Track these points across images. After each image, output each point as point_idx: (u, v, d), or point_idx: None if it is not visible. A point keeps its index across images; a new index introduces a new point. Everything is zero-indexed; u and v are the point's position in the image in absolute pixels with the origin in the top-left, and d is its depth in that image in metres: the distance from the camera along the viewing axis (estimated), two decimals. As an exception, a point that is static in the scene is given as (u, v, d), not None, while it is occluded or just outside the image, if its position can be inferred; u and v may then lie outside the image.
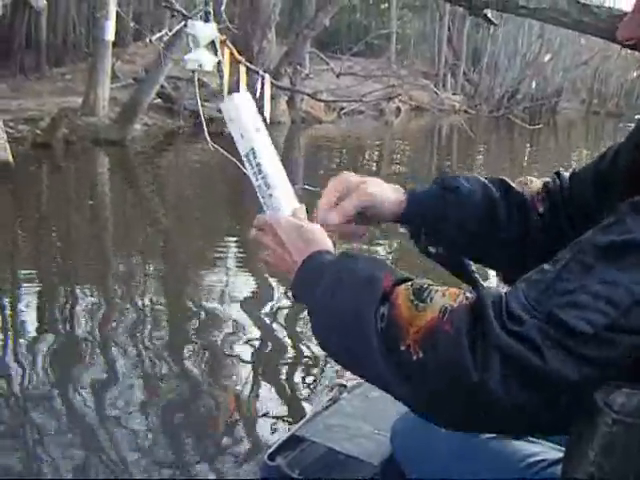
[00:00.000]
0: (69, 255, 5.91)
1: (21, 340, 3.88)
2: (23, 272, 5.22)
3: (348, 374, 2.08)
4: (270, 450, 1.88)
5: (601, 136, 20.56)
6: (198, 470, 2.75)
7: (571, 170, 1.33)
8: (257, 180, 1.16)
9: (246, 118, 1.16)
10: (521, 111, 20.59)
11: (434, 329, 0.86)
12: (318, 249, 1.09)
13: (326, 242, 1.12)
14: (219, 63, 4.37)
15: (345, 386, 2.22)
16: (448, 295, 0.90)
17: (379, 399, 2.06)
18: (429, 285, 0.92)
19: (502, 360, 0.81)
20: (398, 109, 19.04)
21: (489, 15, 3.58)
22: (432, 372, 0.85)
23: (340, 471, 1.84)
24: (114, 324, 4.20)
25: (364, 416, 2.07)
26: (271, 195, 1.16)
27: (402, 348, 0.87)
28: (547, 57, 22.61)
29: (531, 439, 1.31)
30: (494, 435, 1.29)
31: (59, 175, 9.44)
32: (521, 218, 1.28)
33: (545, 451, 1.25)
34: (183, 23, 4.43)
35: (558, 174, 1.33)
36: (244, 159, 1.17)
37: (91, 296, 4.73)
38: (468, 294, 0.90)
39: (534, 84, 22.84)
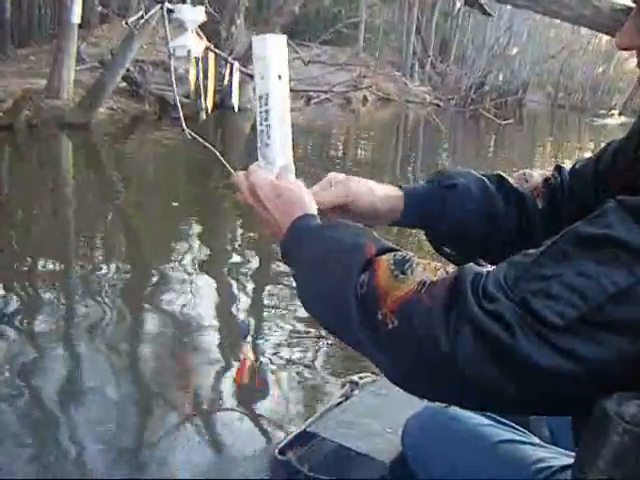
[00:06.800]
0: (29, 238, 5.78)
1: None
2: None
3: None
4: (281, 445, 1.91)
5: (565, 130, 20.86)
6: (203, 465, 2.64)
7: (571, 165, 1.33)
8: (261, 125, 1.17)
9: (272, 61, 1.15)
10: (487, 104, 20.80)
11: (411, 300, 0.87)
12: (303, 212, 1.09)
13: (308, 203, 1.12)
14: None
15: (357, 383, 2.24)
16: (429, 269, 0.90)
17: (391, 397, 2.08)
18: (411, 257, 0.93)
19: (473, 332, 0.81)
20: (365, 98, 19.12)
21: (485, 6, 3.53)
22: (405, 341, 0.86)
23: (350, 468, 1.85)
24: (75, 308, 4.12)
25: (375, 414, 2.08)
26: (268, 145, 1.16)
27: (378, 316, 0.88)
28: (514, 50, 22.88)
29: (542, 444, 1.32)
30: (504, 438, 1.31)
31: (21, 158, 9.25)
32: (519, 214, 1.29)
33: (555, 457, 1.26)
34: (159, 6, 4.32)
35: (559, 168, 1.33)
36: (256, 100, 1.17)
37: (52, 278, 4.65)
38: (449, 269, 0.89)
39: (501, 77, 23.07)
